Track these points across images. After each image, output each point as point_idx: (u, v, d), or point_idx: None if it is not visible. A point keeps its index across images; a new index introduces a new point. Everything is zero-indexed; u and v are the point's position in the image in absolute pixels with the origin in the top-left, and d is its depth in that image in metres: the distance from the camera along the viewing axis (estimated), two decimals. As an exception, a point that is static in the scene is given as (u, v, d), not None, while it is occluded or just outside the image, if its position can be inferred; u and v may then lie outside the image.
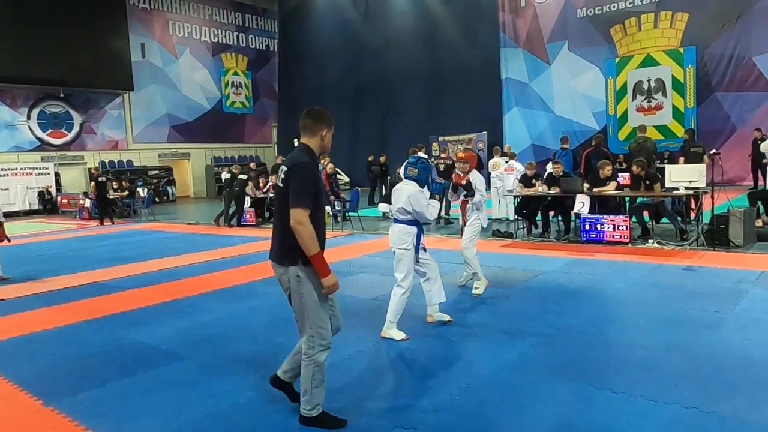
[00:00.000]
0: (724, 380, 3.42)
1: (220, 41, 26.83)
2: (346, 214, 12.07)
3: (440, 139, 19.56)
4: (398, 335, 4.49)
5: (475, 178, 5.60)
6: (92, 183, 15.83)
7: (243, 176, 13.01)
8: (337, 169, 16.70)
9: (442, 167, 11.31)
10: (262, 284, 6.78)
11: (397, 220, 4.64)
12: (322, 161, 14.73)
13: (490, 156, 12.47)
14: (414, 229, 4.58)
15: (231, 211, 13.15)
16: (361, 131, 24.10)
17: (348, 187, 21.24)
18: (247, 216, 13.08)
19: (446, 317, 4.85)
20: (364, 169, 17.60)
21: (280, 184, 2.91)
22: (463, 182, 5.57)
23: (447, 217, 11.40)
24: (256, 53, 28.33)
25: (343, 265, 7.75)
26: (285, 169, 2.90)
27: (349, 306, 5.57)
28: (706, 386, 3.35)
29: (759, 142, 12.08)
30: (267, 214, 13.56)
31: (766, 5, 14.64)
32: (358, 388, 3.60)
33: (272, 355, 4.15)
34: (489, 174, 11.68)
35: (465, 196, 5.69)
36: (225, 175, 14.94)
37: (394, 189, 4.76)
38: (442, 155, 12.04)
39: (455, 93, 20.73)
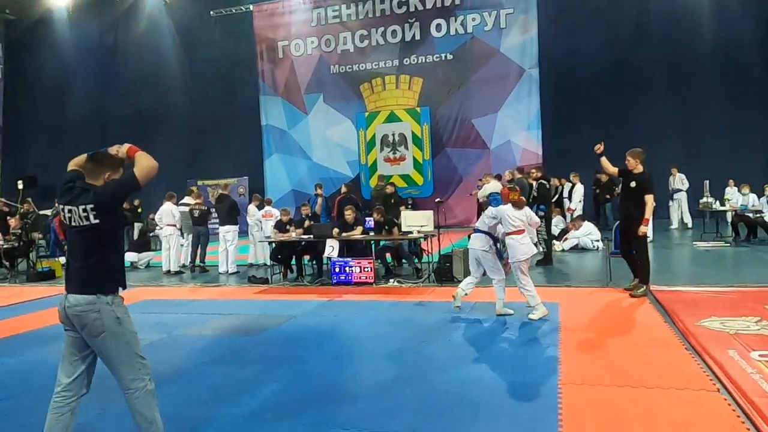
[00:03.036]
0: (440, 401, 3.86)
1: None
2: (85, 266, 10.73)
3: (199, 183, 18.89)
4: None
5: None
6: None
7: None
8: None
9: (196, 213, 10.90)
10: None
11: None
12: (56, 204, 13.01)
13: (250, 201, 12.41)
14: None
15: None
16: (109, 173, 21.95)
17: (92, 234, 19.04)
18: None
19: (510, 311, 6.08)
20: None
21: (84, 223, 2.82)
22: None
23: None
24: (-28, 79, 24.03)
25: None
26: (90, 206, 2.80)
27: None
28: (425, 411, 3.73)
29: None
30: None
31: (480, 77, 17.60)
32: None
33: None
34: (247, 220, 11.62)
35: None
36: None
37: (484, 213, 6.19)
38: (197, 201, 11.53)
39: (215, 136, 20.32)
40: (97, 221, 2.83)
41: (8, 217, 12.48)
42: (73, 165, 3.06)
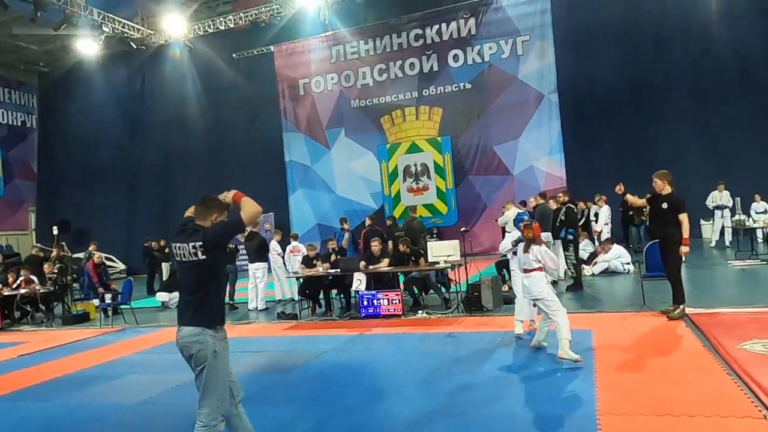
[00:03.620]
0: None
1: (-38, 115, 23.25)
2: (117, 308, 10.88)
3: (226, 220, 19.19)
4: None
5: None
6: None
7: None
8: (110, 256, 15.26)
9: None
10: (0, 402, 5.71)
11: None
12: (90, 248, 13.32)
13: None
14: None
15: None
16: (138, 214, 22.49)
17: (123, 275, 19.41)
18: (-10, 318, 11.08)
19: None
20: (140, 255, 16.31)
21: (193, 258, 3.13)
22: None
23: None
24: (7, 129, 25.02)
25: (109, 366, 6.95)
26: (199, 243, 3.12)
27: (107, 415, 4.98)
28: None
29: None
30: (18, 314, 11.63)
31: (499, 105, 17.70)
32: None
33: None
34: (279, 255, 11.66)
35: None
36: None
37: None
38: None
39: (240, 175, 20.64)
40: (204, 257, 3.14)
41: (44, 263, 12.79)
42: (188, 213, 3.47)
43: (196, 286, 3.18)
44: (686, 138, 15.57)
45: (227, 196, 3.34)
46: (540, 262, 5.58)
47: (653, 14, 16.38)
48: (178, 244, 3.21)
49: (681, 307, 6.65)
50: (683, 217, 6.64)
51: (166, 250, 15.27)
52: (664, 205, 6.78)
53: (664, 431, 3.61)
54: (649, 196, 7.12)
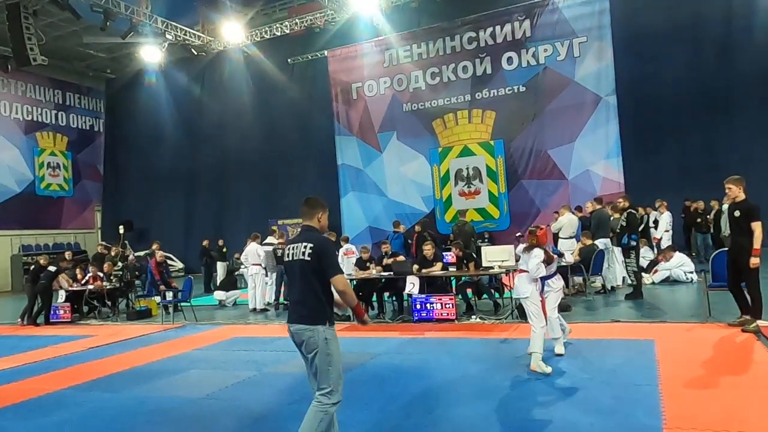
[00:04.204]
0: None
1: (35, 119, 24.66)
2: (178, 305, 11.30)
3: (279, 222, 19.58)
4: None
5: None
6: None
7: (52, 268, 11.69)
8: (170, 255, 15.86)
9: (279, 252, 11.30)
10: (74, 392, 6.03)
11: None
12: (153, 246, 13.86)
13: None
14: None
15: (38, 307, 11.65)
16: (196, 215, 23.28)
17: (182, 273, 20.10)
18: (61, 312, 11.69)
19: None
20: (198, 255, 16.86)
21: (307, 258, 3.47)
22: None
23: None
24: (77, 133, 26.41)
25: (172, 361, 7.22)
26: (310, 245, 3.48)
27: (174, 409, 5.18)
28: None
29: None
30: (86, 309, 12.24)
31: (554, 108, 17.37)
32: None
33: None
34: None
35: None
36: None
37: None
38: (280, 240, 12.03)
39: (293, 177, 21.10)
40: (309, 260, 3.47)
41: (77, 268, 13.38)
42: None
43: (308, 281, 3.50)
44: (753, 145, 14.83)
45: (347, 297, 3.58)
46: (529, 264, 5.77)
47: (719, 15, 15.71)
48: (297, 245, 3.55)
49: (756, 322, 6.33)
50: (756, 226, 6.33)
51: (224, 250, 15.72)
52: (737, 213, 6.50)
53: (737, 448, 3.46)
54: (729, 205, 6.80)
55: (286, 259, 3.60)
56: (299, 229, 3.72)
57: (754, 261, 6.30)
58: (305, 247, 3.48)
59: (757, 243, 6.30)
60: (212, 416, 4.89)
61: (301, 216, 3.69)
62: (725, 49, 15.57)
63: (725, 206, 12.24)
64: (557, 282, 6.16)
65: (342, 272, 3.53)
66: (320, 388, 3.43)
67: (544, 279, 5.96)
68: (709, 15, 15.79)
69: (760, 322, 6.36)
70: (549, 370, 5.36)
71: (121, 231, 21.44)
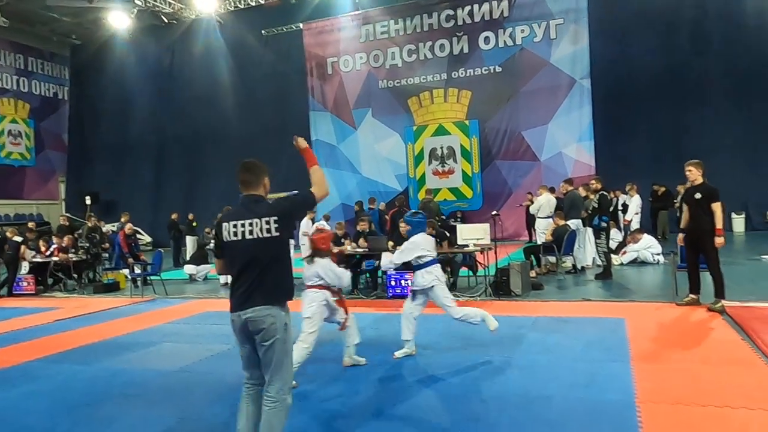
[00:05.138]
0: (513, 420, 3.82)
1: (-5, 84, 23.65)
2: (147, 278, 11.09)
3: (251, 197, 19.34)
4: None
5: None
6: None
7: (17, 238, 11.33)
8: (137, 229, 15.51)
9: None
10: (43, 364, 5.88)
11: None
12: (122, 219, 13.53)
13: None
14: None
15: (2, 279, 11.32)
16: (165, 188, 22.81)
17: (150, 247, 19.75)
18: (24, 284, 11.37)
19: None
20: (166, 228, 16.55)
21: (275, 234, 3.01)
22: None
23: None
24: (40, 100, 25.43)
25: (143, 334, 7.10)
26: (273, 218, 3.00)
27: (148, 381, 5.11)
28: (494, 426, 3.70)
29: (529, 204, 14.09)
30: (51, 281, 11.93)
31: (530, 89, 17.46)
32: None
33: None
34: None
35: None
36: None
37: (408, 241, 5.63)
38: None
39: (266, 152, 20.68)
40: (278, 234, 3.03)
41: (72, 233, 13.05)
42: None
43: (269, 262, 3.04)
44: (722, 129, 15.22)
45: (299, 143, 3.40)
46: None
47: (693, 3, 15.94)
48: (244, 221, 3.03)
49: (721, 302, 6.54)
50: (716, 207, 6.52)
51: (194, 224, 15.46)
52: (698, 195, 6.66)
53: (706, 421, 3.58)
54: (685, 189, 6.98)
55: (234, 238, 3.02)
56: (241, 200, 3.14)
57: (720, 240, 6.49)
58: (267, 222, 2.99)
59: (719, 223, 6.49)
60: (187, 388, 4.84)
61: (243, 185, 3.13)
62: (698, 37, 15.86)
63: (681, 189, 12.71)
64: None
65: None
66: (274, 381, 3.04)
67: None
68: (683, 3, 16.01)
69: (724, 302, 6.58)
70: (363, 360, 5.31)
71: (88, 202, 20.86)
